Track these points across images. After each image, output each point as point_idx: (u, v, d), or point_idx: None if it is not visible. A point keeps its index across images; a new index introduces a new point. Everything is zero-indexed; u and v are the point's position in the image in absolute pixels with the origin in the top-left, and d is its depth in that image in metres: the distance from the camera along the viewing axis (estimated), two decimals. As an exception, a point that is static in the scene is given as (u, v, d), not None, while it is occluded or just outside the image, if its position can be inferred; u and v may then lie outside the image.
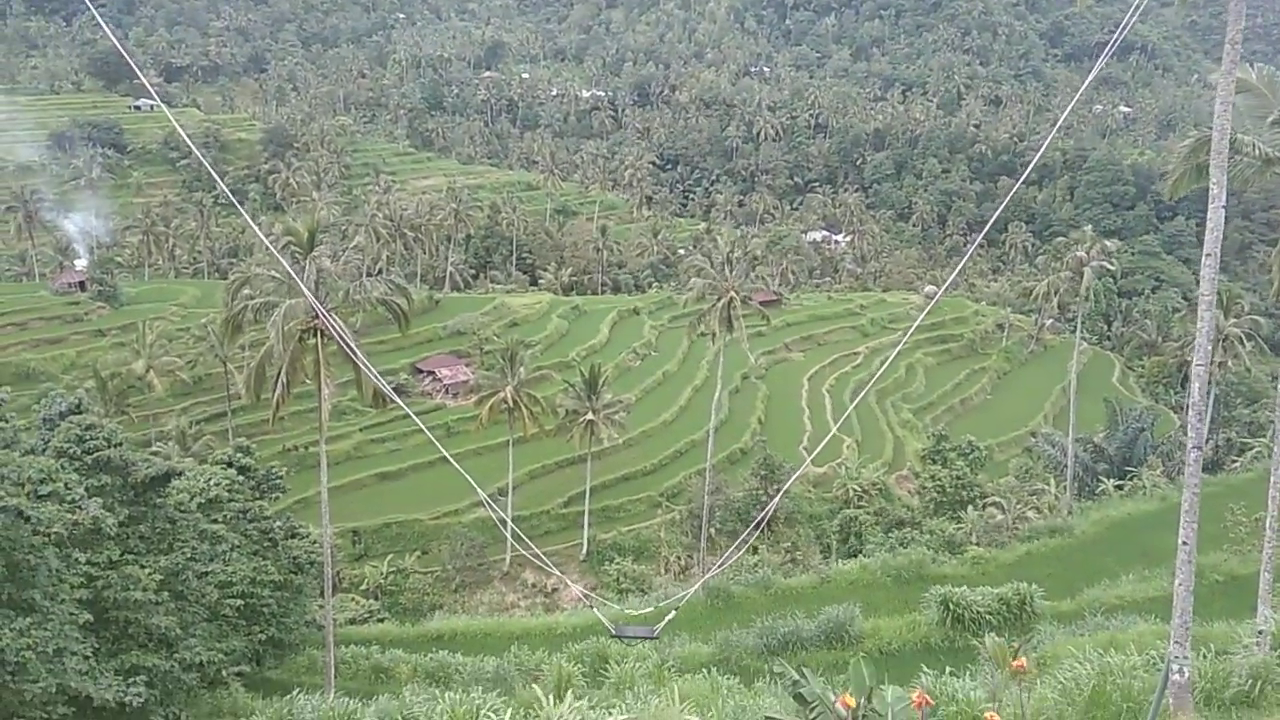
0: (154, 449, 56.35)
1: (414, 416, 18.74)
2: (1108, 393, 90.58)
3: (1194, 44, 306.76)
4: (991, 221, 19.46)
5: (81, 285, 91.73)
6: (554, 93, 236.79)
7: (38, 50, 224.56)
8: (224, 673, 29.13)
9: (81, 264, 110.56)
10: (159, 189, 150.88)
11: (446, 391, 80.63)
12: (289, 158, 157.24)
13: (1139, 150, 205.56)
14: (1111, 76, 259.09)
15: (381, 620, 47.88)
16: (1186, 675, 9.07)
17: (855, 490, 65.03)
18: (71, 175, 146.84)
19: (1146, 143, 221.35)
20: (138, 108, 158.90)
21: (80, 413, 29.03)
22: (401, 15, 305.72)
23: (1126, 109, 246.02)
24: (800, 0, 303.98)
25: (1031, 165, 12.97)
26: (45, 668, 17.55)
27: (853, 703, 5.45)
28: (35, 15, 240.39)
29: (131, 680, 20.89)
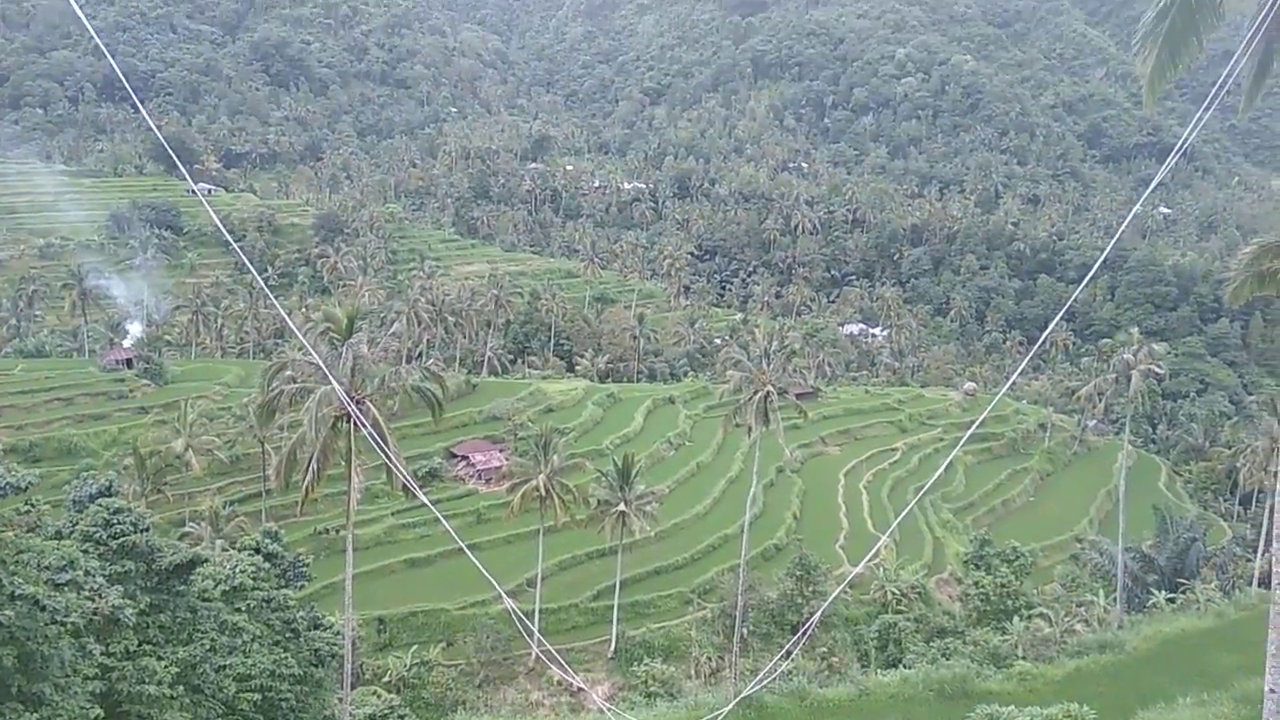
0: (187, 529, 56.32)
1: (434, 509, 18.22)
2: (1154, 498, 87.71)
3: (1234, 147, 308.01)
4: (1044, 338, 18.85)
5: (129, 362, 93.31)
6: (596, 184, 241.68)
7: (106, 135, 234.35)
8: (237, 770, 28.19)
9: (130, 341, 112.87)
10: (211, 270, 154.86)
11: (480, 477, 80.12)
12: (338, 243, 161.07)
13: (1180, 251, 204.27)
14: (1151, 178, 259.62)
15: (403, 718, 46.42)
16: None
17: (894, 593, 62.95)
18: (128, 254, 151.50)
19: (1188, 244, 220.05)
20: (193, 191, 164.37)
21: (110, 495, 28.93)
22: (454, 109, 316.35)
23: (1167, 210, 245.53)
24: (839, 100, 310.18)
25: (1090, 274, 12.37)
26: (49, 769, 16.92)
27: None
28: (106, 102, 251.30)
29: (139, 782, 20.18)
